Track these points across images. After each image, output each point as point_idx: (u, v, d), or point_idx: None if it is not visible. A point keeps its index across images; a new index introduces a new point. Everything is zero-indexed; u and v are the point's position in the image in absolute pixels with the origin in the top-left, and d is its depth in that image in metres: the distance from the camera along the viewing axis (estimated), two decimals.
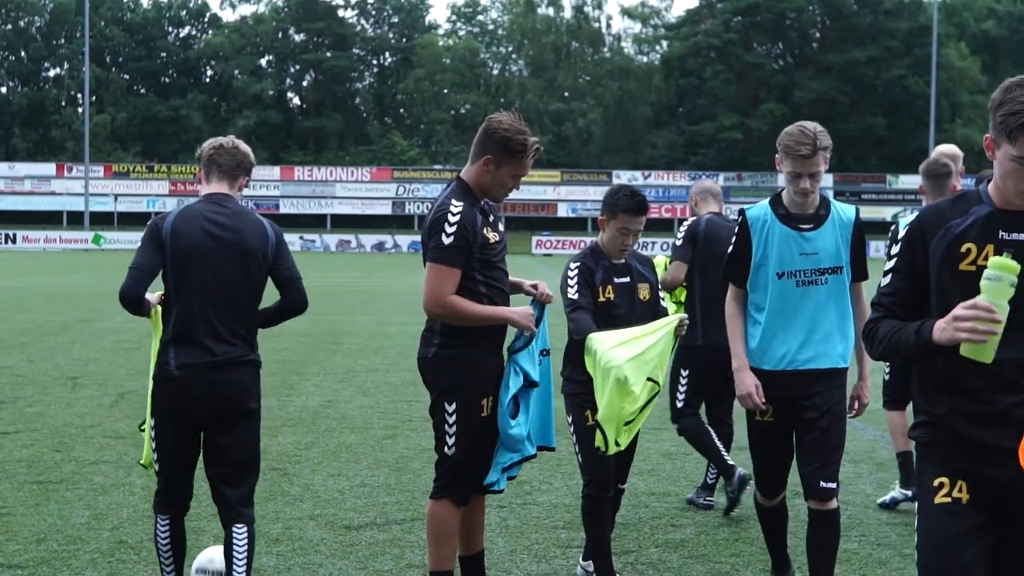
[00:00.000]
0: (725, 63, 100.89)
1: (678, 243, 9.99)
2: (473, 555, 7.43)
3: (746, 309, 7.28)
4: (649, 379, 7.22)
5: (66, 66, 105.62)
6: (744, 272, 7.21)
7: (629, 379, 6.94)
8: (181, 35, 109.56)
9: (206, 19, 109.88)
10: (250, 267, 6.88)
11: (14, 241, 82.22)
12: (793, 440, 7.27)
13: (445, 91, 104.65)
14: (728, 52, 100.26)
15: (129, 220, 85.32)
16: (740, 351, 7.27)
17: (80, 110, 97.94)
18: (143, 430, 7.18)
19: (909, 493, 10.29)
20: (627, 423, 7.15)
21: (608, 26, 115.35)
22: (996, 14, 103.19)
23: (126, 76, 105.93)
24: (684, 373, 9.83)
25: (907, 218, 10.18)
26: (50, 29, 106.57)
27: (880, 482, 10.81)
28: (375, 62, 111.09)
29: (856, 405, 7.33)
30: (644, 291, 7.82)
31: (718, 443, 9.78)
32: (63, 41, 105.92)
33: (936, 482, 4.54)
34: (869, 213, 61.68)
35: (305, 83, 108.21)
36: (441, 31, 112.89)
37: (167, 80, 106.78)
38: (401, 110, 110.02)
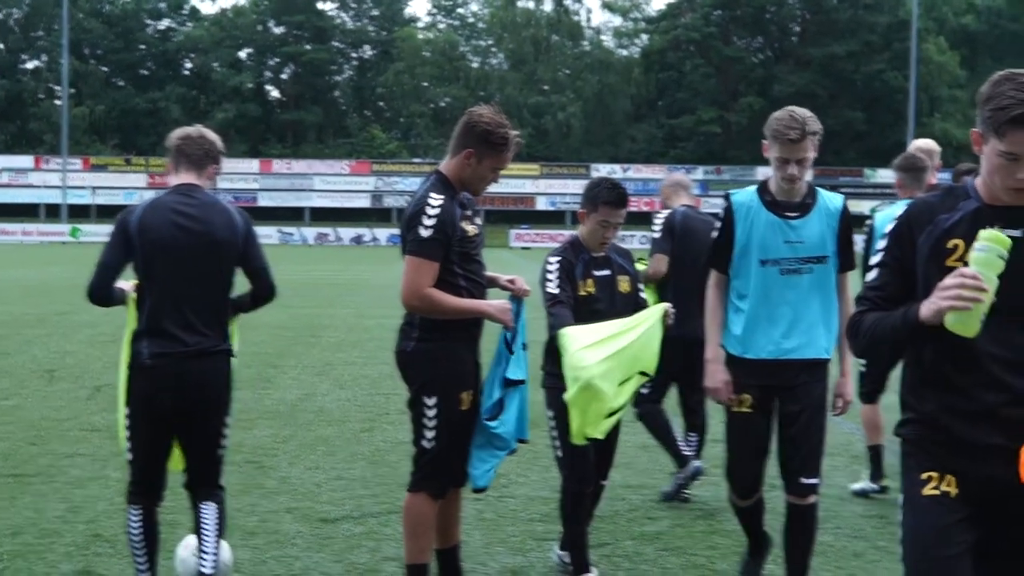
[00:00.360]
0: (705, 57, 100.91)
1: (657, 236, 10.03)
2: (449, 548, 7.43)
3: (727, 298, 7.22)
4: (641, 372, 7.25)
5: (44, 58, 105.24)
6: (726, 258, 7.15)
7: (596, 384, 6.88)
8: (160, 27, 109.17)
9: (185, 11, 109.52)
10: (220, 257, 6.94)
11: None
12: (771, 434, 7.18)
13: (425, 84, 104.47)
14: (708, 46, 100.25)
15: (107, 213, 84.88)
16: (715, 342, 7.26)
17: (58, 102, 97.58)
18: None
19: (877, 487, 10.38)
20: (609, 414, 7.14)
21: (588, 19, 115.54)
22: (975, 9, 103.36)
23: (105, 68, 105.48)
24: None
25: (883, 212, 10.23)
26: (28, 21, 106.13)
27: (855, 475, 10.84)
28: (355, 55, 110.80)
29: (840, 403, 7.25)
30: (624, 283, 7.80)
31: (674, 432, 9.96)
32: (41, 33, 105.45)
33: (924, 476, 4.49)
34: None
35: (284, 76, 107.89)
36: (421, 24, 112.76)
37: (146, 72, 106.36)
38: (380, 103, 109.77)
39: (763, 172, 7.05)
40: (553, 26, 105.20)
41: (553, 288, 7.48)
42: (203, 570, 7.02)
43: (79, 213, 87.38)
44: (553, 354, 7.44)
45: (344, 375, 17.28)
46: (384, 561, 8.22)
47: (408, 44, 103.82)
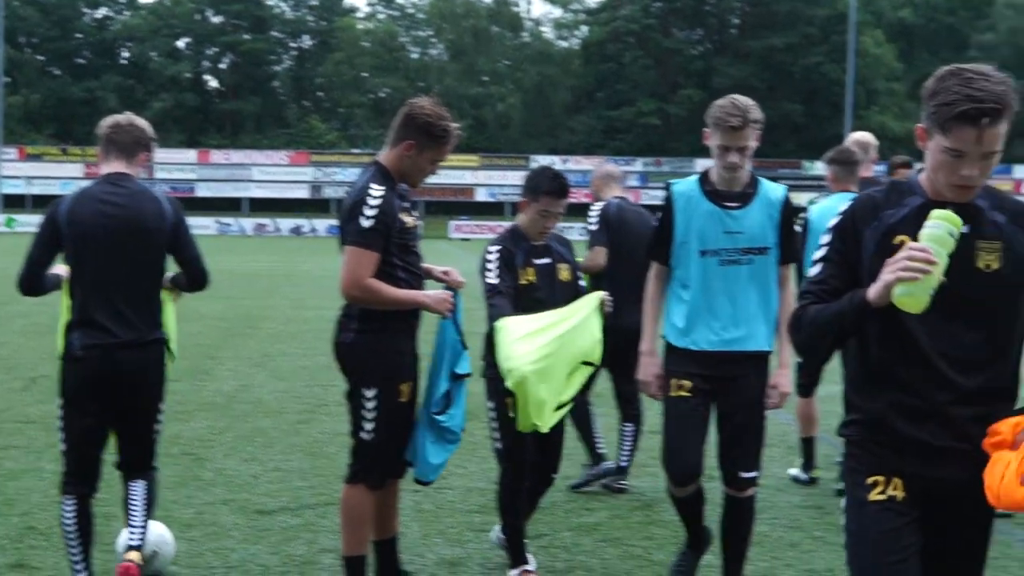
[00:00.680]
0: (644, 48, 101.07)
1: (593, 228, 10.03)
2: (387, 540, 7.42)
3: (666, 289, 7.17)
4: (586, 363, 7.24)
5: None
6: (666, 248, 7.09)
7: (529, 378, 6.83)
8: (97, 16, 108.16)
9: (123, 0, 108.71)
10: (148, 247, 6.96)
11: None
12: (708, 422, 7.09)
13: (364, 75, 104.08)
14: (647, 37, 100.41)
15: (43, 203, 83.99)
16: (650, 334, 7.25)
17: None
18: None
19: (807, 477, 10.47)
20: (558, 407, 7.12)
21: (528, 11, 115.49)
22: (912, 2, 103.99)
23: (40, 57, 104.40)
24: None
25: (818, 205, 10.28)
26: None
27: (791, 465, 10.90)
28: (294, 45, 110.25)
29: (775, 395, 7.12)
30: (564, 272, 7.78)
31: (595, 426, 10.14)
32: None
33: (870, 480, 4.43)
34: None
35: (222, 66, 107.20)
36: (360, 14, 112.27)
37: (82, 61, 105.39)
38: (320, 93, 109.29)
39: (702, 164, 6.94)
40: (493, 17, 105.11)
41: (492, 278, 7.45)
42: (130, 543, 7.13)
43: (14, 203, 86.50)
44: (492, 345, 7.41)
45: (282, 366, 17.21)
46: (321, 553, 8.19)
47: (347, 34, 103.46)
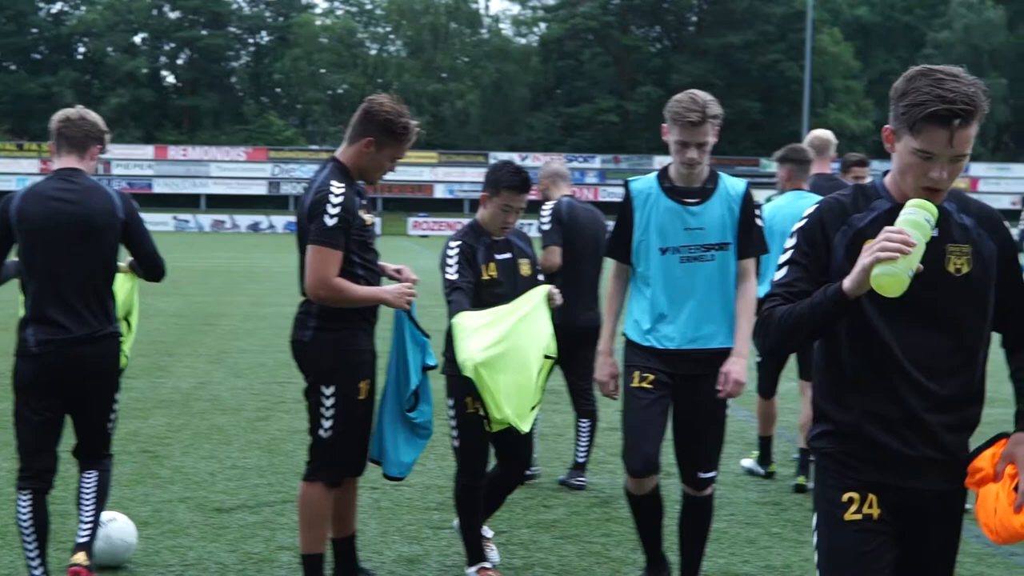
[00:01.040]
0: (603, 46, 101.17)
1: (546, 227, 10.03)
2: (345, 537, 7.41)
3: (627, 288, 7.12)
4: (547, 356, 7.22)
5: None
6: (625, 247, 7.01)
7: (480, 371, 6.78)
8: (53, 11, 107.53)
9: None
10: (100, 242, 6.98)
11: None
12: (667, 415, 7.00)
13: (322, 71, 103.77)
14: (606, 35, 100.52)
15: None
16: (608, 334, 7.21)
17: None
18: None
19: (763, 470, 10.53)
20: (533, 407, 7.09)
21: (486, 7, 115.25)
22: (869, 0, 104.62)
23: None
24: None
25: (772, 204, 10.34)
26: None
27: (745, 459, 10.95)
28: (251, 41, 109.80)
29: (726, 380, 6.83)
30: (525, 267, 7.77)
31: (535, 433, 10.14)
32: None
33: (845, 497, 4.33)
34: None
35: (180, 61, 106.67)
36: (318, 10, 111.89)
37: (38, 56, 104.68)
38: (277, 90, 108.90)
39: (661, 161, 6.87)
40: (451, 14, 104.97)
41: (452, 274, 7.40)
42: (78, 540, 7.14)
43: None
44: (452, 341, 7.39)
45: (240, 363, 17.16)
46: (279, 551, 8.17)
47: (305, 30, 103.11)
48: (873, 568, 4.29)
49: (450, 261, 7.46)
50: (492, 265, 7.58)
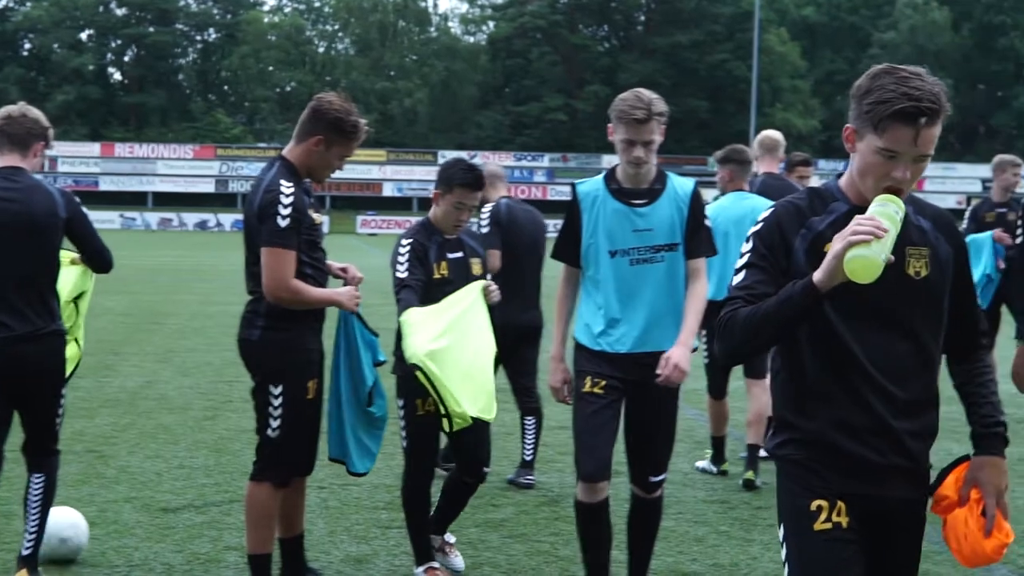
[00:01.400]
0: (551, 44, 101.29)
1: (486, 230, 10.02)
2: (292, 537, 7.38)
3: (577, 291, 7.03)
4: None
5: None
6: (574, 250, 6.90)
7: (426, 365, 6.74)
8: None
9: None
10: (43, 241, 6.96)
11: None
12: (619, 420, 6.90)
13: (270, 68, 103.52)
14: (554, 34, 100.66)
15: None
16: (559, 339, 7.08)
17: None
18: None
19: (716, 469, 10.58)
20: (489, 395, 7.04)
21: (435, 6, 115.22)
22: (816, 1, 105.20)
23: None
24: None
25: (715, 205, 10.37)
26: None
27: (698, 460, 10.98)
28: (199, 38, 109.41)
29: (666, 364, 6.58)
30: (477, 266, 7.74)
31: None
32: None
33: (814, 505, 4.22)
34: None
35: (127, 58, 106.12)
36: (266, 8, 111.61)
37: None
38: (225, 87, 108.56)
39: (609, 160, 6.72)
40: (400, 12, 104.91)
41: (402, 272, 7.34)
42: (23, 551, 7.13)
43: None
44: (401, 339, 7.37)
45: (187, 362, 17.08)
46: (226, 551, 8.14)
47: (253, 28, 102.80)
48: None
49: (401, 259, 7.41)
50: (444, 264, 7.53)
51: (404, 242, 7.51)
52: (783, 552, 4.33)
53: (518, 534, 8.73)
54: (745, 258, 4.28)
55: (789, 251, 4.22)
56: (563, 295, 7.10)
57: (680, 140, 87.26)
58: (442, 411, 6.85)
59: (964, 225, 13.90)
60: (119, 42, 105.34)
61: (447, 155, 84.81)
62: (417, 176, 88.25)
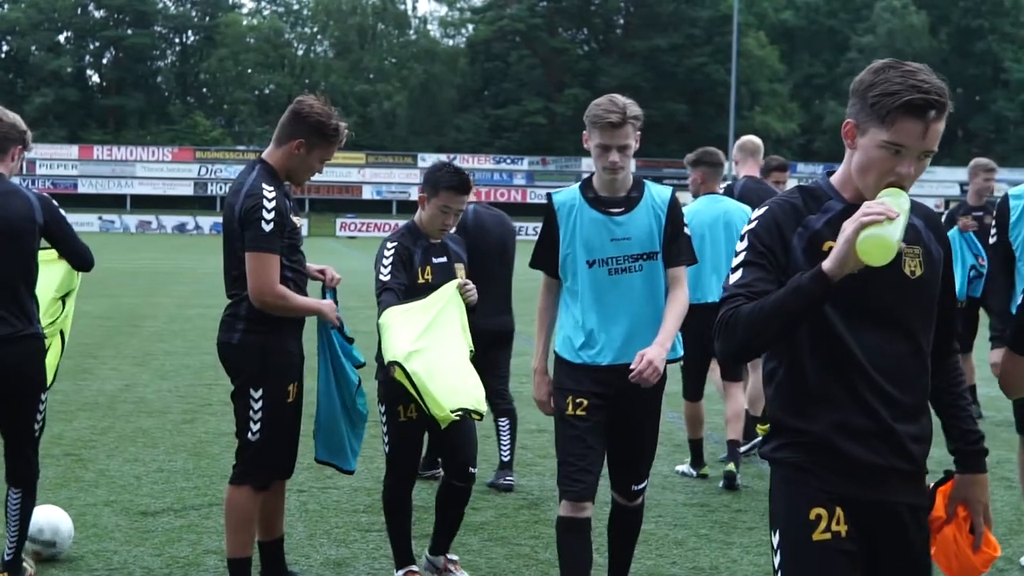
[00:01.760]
0: (530, 48, 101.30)
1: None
2: (272, 541, 7.38)
3: (558, 301, 6.88)
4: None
5: None
6: (553, 261, 6.74)
7: (413, 371, 6.68)
8: None
9: None
10: (20, 245, 6.97)
11: None
12: (605, 439, 6.74)
13: (249, 71, 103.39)
14: (533, 37, 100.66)
15: None
16: (541, 351, 6.98)
17: None
18: None
19: (695, 473, 10.59)
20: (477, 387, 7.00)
21: (414, 8, 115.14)
22: (794, 4, 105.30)
23: None
24: None
25: (690, 207, 10.40)
26: None
27: (677, 463, 11.00)
28: (177, 40, 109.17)
29: (640, 360, 6.40)
30: (461, 271, 7.69)
31: None
32: None
33: (812, 514, 4.10)
34: None
35: (105, 60, 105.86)
36: (245, 10, 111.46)
37: None
38: (204, 90, 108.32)
39: (588, 163, 6.52)
40: (379, 14, 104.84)
41: (384, 275, 7.30)
42: (4, 557, 7.18)
43: None
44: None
45: (165, 365, 17.04)
46: (205, 554, 8.12)
47: (232, 30, 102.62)
48: None
49: (385, 262, 7.37)
50: (429, 268, 7.50)
51: (389, 245, 7.49)
52: (776, 559, 4.22)
53: (498, 537, 8.73)
54: (741, 256, 4.16)
55: (787, 249, 4.12)
56: (544, 306, 6.97)
57: (660, 144, 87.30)
58: (426, 412, 6.80)
59: None
60: (97, 44, 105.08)
61: (426, 158, 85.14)
62: (396, 179, 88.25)
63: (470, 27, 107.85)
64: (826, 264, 3.86)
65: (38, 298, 7.19)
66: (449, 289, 7.29)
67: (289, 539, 8.03)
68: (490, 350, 9.86)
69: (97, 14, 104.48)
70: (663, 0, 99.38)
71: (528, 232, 54.34)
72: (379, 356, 7.29)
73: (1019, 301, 4.64)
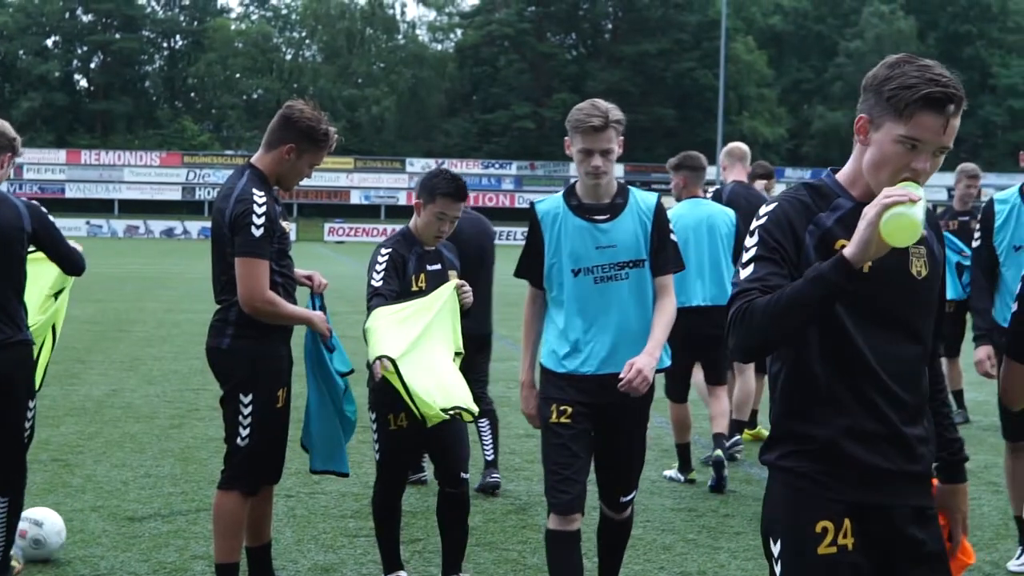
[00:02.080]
0: (519, 52, 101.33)
1: None
2: (260, 546, 7.37)
3: (543, 313, 6.79)
4: (456, 352, 7.17)
5: None
6: (538, 271, 6.64)
7: (398, 374, 6.61)
8: None
9: None
10: (9, 253, 7.02)
11: None
12: (591, 449, 6.67)
13: (237, 76, 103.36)
14: (522, 41, 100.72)
15: None
16: (527, 364, 6.88)
17: None
18: None
19: (683, 478, 10.61)
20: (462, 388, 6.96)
21: (402, 13, 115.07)
22: (782, 9, 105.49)
23: None
24: None
25: (673, 211, 10.43)
26: None
27: (665, 468, 11.00)
28: (165, 45, 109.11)
29: (630, 369, 6.29)
30: (454, 278, 7.64)
31: None
32: None
33: (819, 527, 3.98)
34: None
35: (93, 65, 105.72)
36: (233, 15, 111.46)
37: None
38: (192, 94, 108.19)
39: (575, 162, 6.33)
40: (367, 19, 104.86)
41: (376, 280, 7.22)
42: None
43: None
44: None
45: (153, 370, 17.01)
46: (193, 560, 8.11)
47: (220, 35, 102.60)
48: None
49: (378, 267, 7.29)
50: (423, 276, 7.42)
51: (383, 251, 7.41)
52: (777, 568, 4.11)
53: (486, 542, 8.73)
54: (752, 252, 4.02)
55: (800, 246, 4.01)
56: (530, 317, 6.86)
57: (648, 149, 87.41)
58: (415, 412, 6.68)
59: None
60: (85, 49, 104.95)
61: (415, 163, 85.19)
62: (385, 184, 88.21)
63: (458, 32, 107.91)
64: (848, 250, 3.75)
65: (33, 295, 7.21)
66: (447, 290, 7.27)
67: (277, 544, 8.02)
68: (469, 353, 9.85)
69: (85, 18, 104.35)
70: (651, 5, 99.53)
71: (516, 237, 54.37)
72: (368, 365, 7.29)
73: (1013, 308, 4.58)
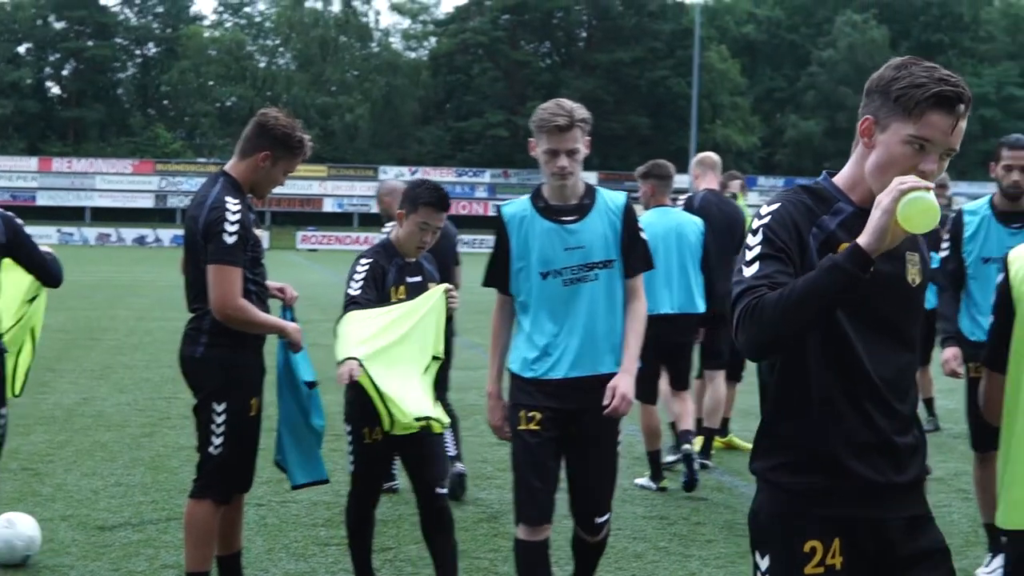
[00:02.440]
0: (493, 60, 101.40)
1: None
2: (231, 555, 7.35)
3: (512, 321, 6.76)
4: (435, 357, 7.10)
5: None
6: (504, 276, 6.59)
7: (373, 376, 6.58)
8: None
9: None
10: None
11: None
12: (560, 458, 6.62)
13: (211, 83, 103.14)
14: (496, 50, 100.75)
15: None
16: (494, 374, 6.78)
17: None
18: None
19: (655, 486, 10.62)
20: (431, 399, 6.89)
21: (376, 21, 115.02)
22: (756, 19, 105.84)
23: None
24: None
25: (641, 219, 10.49)
26: None
27: (636, 475, 11.01)
28: (138, 52, 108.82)
29: (613, 395, 6.32)
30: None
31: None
32: None
33: (807, 547, 3.93)
34: None
35: (65, 72, 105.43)
36: (207, 22, 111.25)
37: None
38: (165, 102, 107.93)
39: (541, 164, 6.17)
40: (341, 27, 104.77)
41: (354, 290, 7.13)
42: None
43: None
44: None
45: (124, 379, 16.97)
46: (163, 569, 8.09)
47: (194, 42, 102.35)
48: None
49: (357, 277, 7.21)
50: (402, 288, 7.31)
51: (363, 261, 7.32)
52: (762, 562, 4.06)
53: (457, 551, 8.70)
54: (757, 250, 3.91)
55: (804, 247, 3.93)
56: (498, 326, 6.80)
57: (622, 157, 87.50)
58: (385, 417, 6.60)
59: None
60: (57, 56, 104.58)
61: (388, 171, 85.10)
62: (358, 192, 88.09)
63: (432, 40, 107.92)
64: (863, 239, 3.67)
65: (7, 303, 7.20)
66: (436, 293, 7.21)
67: (247, 553, 8.01)
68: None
69: (57, 25, 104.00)
70: (625, 13, 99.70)
71: (490, 245, 54.32)
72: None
73: (991, 319, 4.53)
